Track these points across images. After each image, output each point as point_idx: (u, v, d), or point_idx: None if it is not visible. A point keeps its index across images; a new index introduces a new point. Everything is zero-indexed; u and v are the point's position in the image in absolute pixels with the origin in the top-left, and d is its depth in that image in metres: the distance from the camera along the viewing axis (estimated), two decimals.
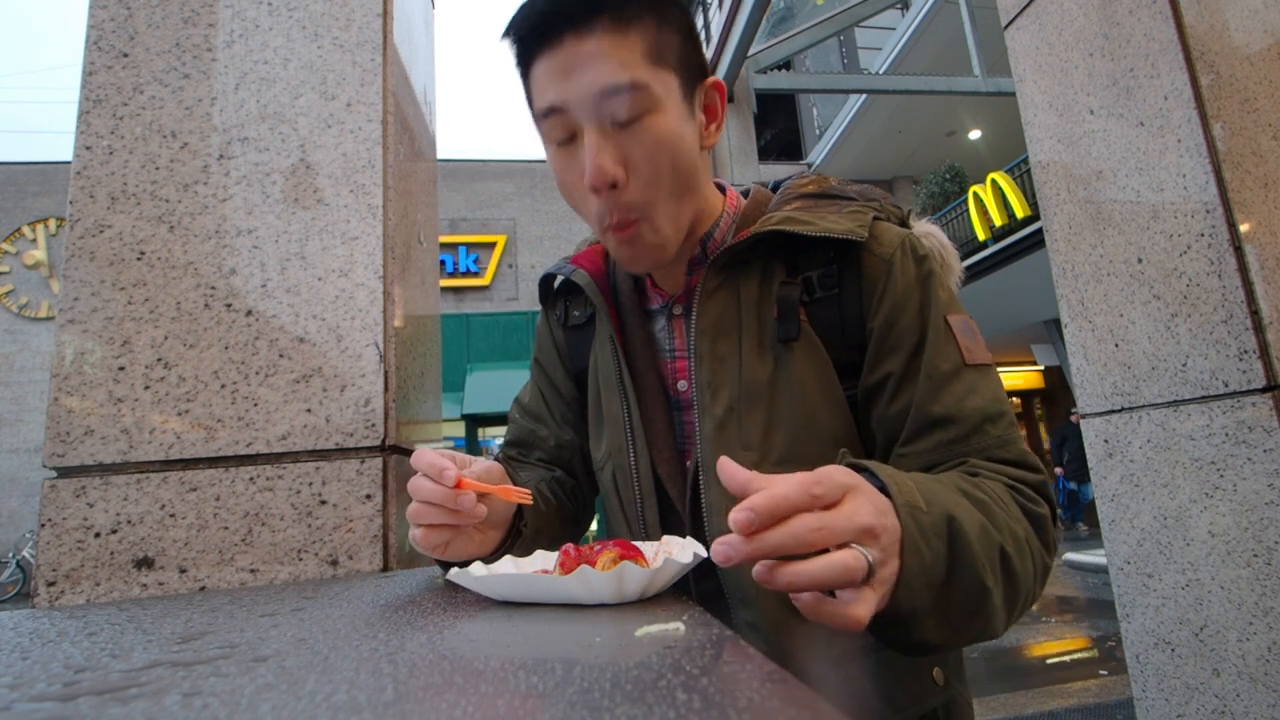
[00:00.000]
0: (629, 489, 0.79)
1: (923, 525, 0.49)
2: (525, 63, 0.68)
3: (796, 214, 0.71)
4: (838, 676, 0.67)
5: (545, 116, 0.66)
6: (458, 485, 0.58)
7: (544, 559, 0.62)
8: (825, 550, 0.44)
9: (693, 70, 0.69)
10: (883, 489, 0.50)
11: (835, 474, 0.46)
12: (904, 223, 0.78)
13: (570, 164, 0.68)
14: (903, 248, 0.70)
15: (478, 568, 0.57)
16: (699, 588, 0.74)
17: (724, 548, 0.43)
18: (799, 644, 0.67)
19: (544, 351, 0.94)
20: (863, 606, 0.44)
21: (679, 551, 0.55)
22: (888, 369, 0.68)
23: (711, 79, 0.72)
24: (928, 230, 0.79)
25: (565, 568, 0.53)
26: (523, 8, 0.66)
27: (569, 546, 0.57)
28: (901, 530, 0.48)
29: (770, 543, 0.43)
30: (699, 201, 0.74)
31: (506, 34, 0.68)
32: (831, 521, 0.44)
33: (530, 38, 0.65)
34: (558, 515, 0.81)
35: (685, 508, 0.75)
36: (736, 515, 0.42)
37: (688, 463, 0.77)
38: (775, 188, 0.84)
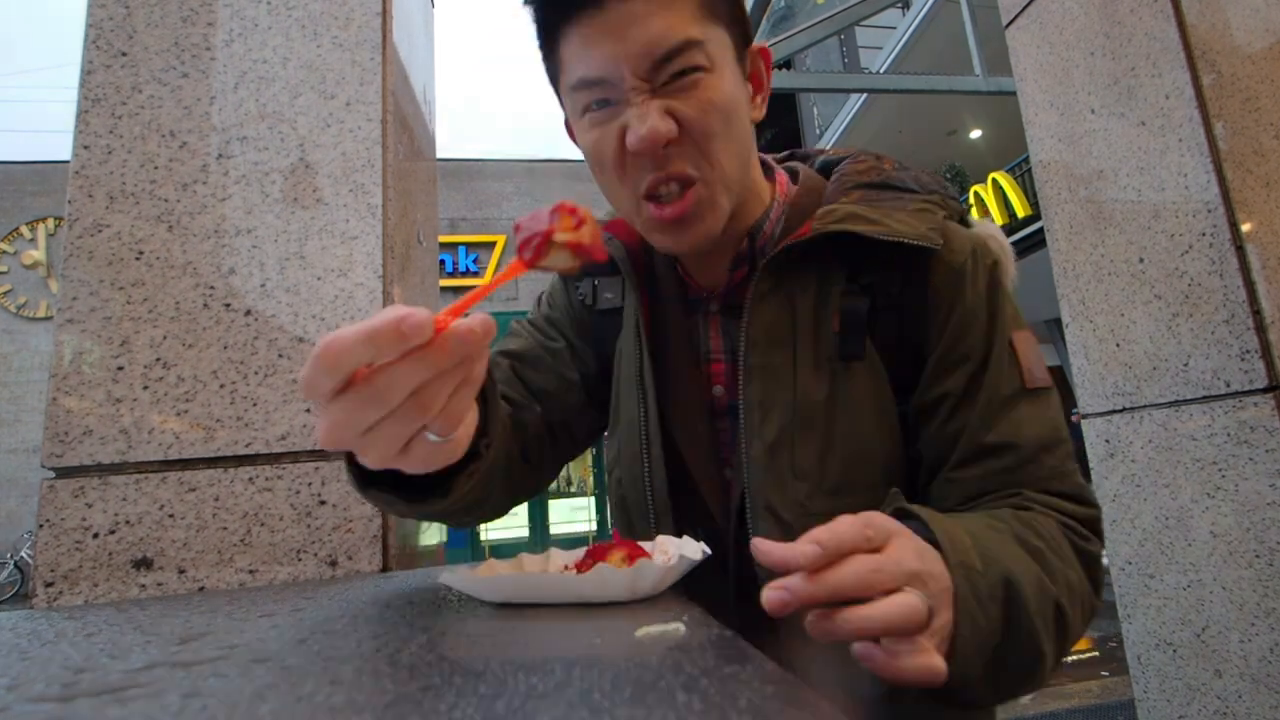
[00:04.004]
0: (640, 503, 0.72)
1: (978, 587, 0.46)
2: (553, 30, 0.61)
3: (861, 209, 0.64)
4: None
5: (585, 87, 0.60)
6: (437, 330, 0.37)
7: (535, 563, 0.62)
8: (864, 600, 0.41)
9: (741, 31, 0.63)
10: (933, 541, 0.47)
11: (880, 518, 0.45)
12: (964, 220, 0.72)
13: (609, 131, 0.61)
14: (974, 255, 0.64)
15: (473, 569, 0.57)
16: (740, 611, 0.66)
17: (781, 593, 0.40)
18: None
19: (558, 314, 0.83)
20: (935, 655, 0.41)
21: (684, 549, 0.56)
22: (947, 388, 0.63)
23: (758, 45, 0.65)
24: (989, 231, 0.72)
25: (582, 569, 0.53)
26: None
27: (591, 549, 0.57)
28: (954, 589, 0.45)
29: (832, 583, 0.40)
30: (750, 180, 0.67)
31: (532, 2, 0.61)
32: (884, 563, 0.42)
33: (563, 3, 0.58)
34: (506, 465, 0.67)
35: (730, 529, 0.68)
36: (803, 549, 0.40)
37: (726, 471, 0.70)
38: (824, 168, 0.77)
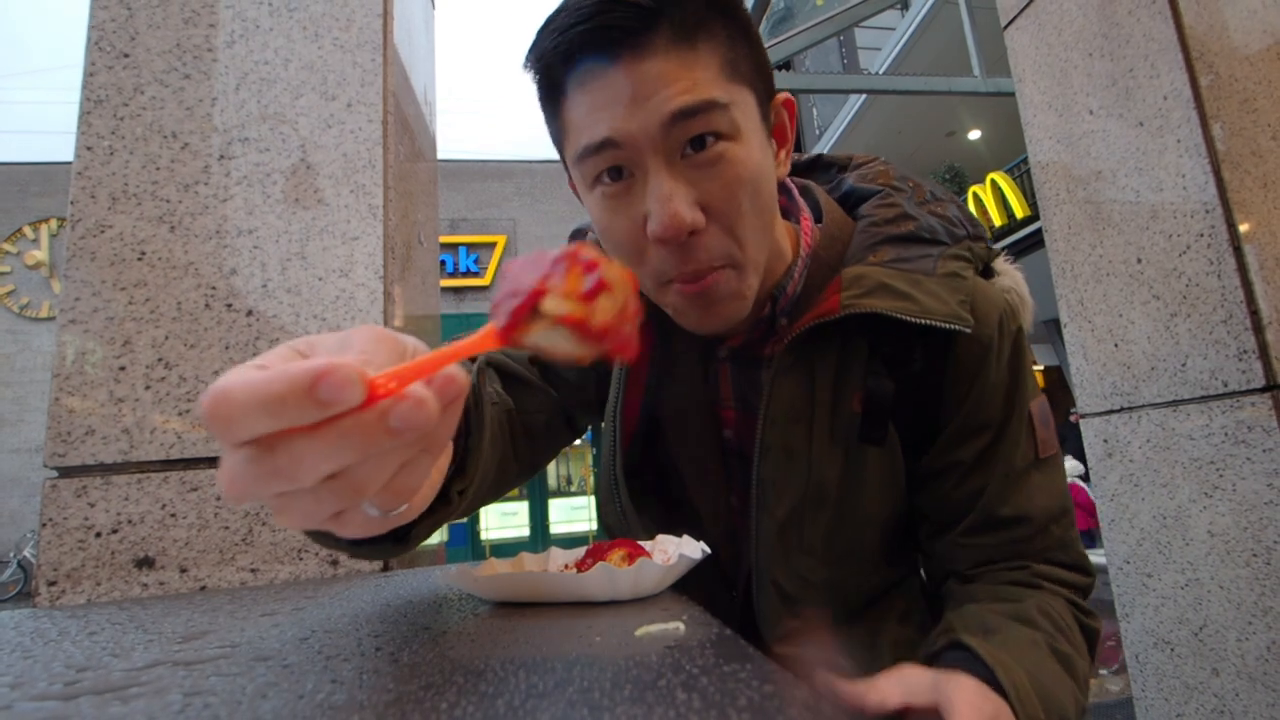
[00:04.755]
0: (624, 534, 0.71)
1: None
2: (558, 92, 0.55)
3: (890, 277, 0.60)
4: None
5: (593, 153, 0.53)
6: (375, 391, 0.27)
7: (535, 562, 0.62)
8: None
9: (766, 85, 0.58)
10: (992, 680, 0.50)
11: (983, 702, 0.47)
12: (988, 266, 0.69)
13: (623, 209, 0.55)
14: (1001, 328, 0.63)
15: (477, 568, 0.57)
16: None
17: None
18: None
19: None
20: None
21: (683, 548, 0.56)
22: (961, 455, 0.63)
23: (782, 95, 0.61)
24: (1013, 282, 0.69)
25: (584, 568, 0.53)
26: (553, 26, 0.53)
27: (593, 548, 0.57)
28: None
29: None
30: (773, 243, 0.62)
31: (533, 60, 0.55)
32: None
33: (570, 61, 0.52)
34: (497, 476, 0.61)
35: (739, 582, 0.69)
36: None
37: (732, 499, 0.70)
38: (848, 198, 0.72)
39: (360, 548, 0.42)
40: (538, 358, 0.73)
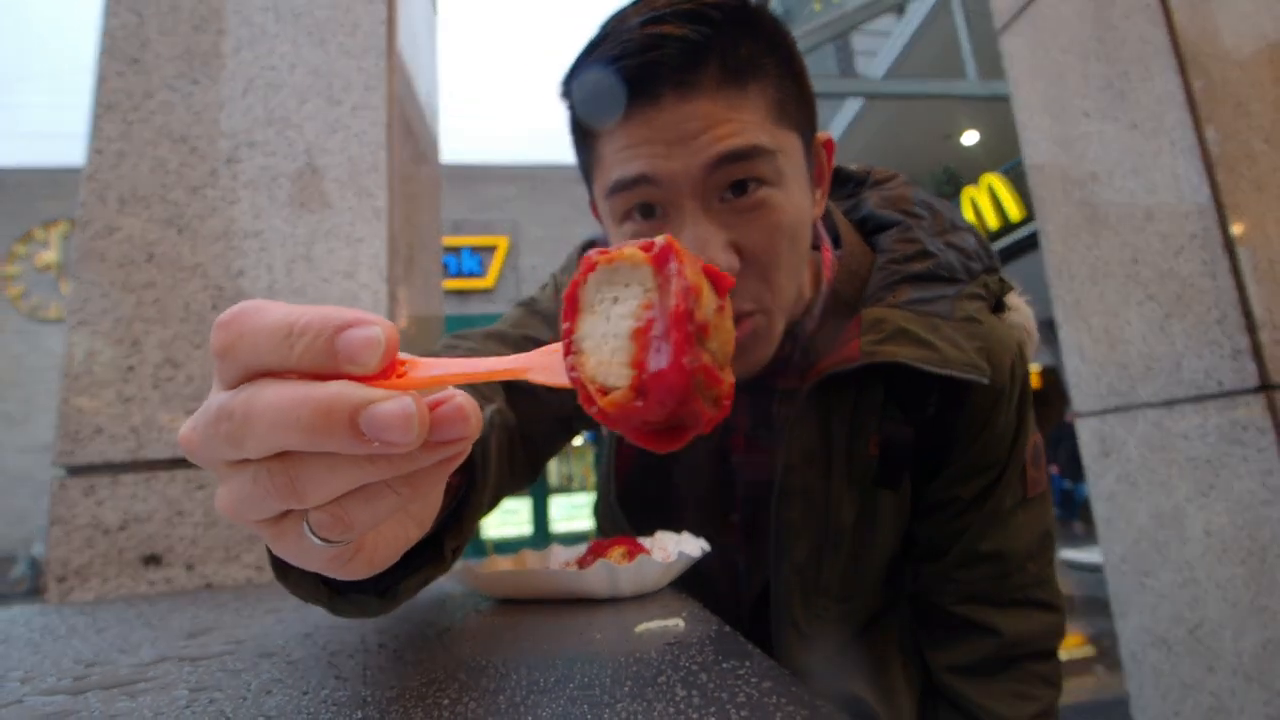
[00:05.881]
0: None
1: None
2: (594, 124, 0.53)
3: (909, 322, 0.59)
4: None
5: (625, 188, 0.52)
6: (390, 371, 0.24)
7: (537, 559, 0.63)
8: None
9: (810, 127, 0.57)
10: None
11: None
12: (1000, 300, 0.68)
13: None
14: (1013, 374, 0.63)
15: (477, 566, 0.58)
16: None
17: None
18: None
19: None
20: None
21: (683, 546, 0.57)
22: (959, 493, 0.64)
23: (823, 136, 0.59)
24: (1022, 318, 0.69)
25: (585, 565, 0.54)
26: (594, 56, 0.50)
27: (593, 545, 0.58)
28: None
29: None
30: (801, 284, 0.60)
31: (570, 89, 0.54)
32: None
33: (611, 95, 0.50)
34: (495, 489, 0.52)
35: (746, 598, 0.70)
36: None
37: (733, 517, 0.71)
38: (867, 223, 0.71)
39: (338, 602, 0.35)
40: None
